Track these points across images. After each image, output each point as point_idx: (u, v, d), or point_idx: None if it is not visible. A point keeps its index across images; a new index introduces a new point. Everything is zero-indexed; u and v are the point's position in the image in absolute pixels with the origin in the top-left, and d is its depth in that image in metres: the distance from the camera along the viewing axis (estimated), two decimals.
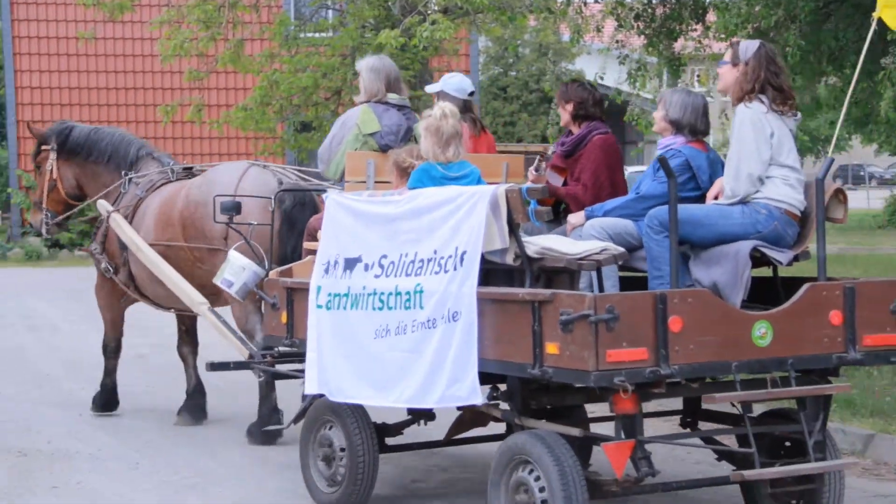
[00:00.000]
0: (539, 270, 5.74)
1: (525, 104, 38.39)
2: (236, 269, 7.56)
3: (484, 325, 5.54)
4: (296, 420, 7.04)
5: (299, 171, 8.81)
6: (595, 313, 5.05)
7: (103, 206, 9.17)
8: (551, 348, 5.26)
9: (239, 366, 7.94)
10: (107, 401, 9.59)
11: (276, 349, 7.44)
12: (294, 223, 7.96)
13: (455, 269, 5.64)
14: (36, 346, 13.50)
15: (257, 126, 18.82)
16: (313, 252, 6.69)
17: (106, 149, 9.53)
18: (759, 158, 5.83)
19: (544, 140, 37.36)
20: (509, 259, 5.66)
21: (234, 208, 7.58)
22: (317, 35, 19.54)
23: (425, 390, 5.74)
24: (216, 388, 9.91)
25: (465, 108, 7.46)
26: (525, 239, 5.73)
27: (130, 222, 8.96)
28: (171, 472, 7.64)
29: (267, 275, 7.26)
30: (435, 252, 5.77)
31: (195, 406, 9.20)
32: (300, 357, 6.87)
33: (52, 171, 9.72)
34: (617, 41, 14.13)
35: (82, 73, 27.17)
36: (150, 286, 8.97)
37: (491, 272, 5.80)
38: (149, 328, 13.76)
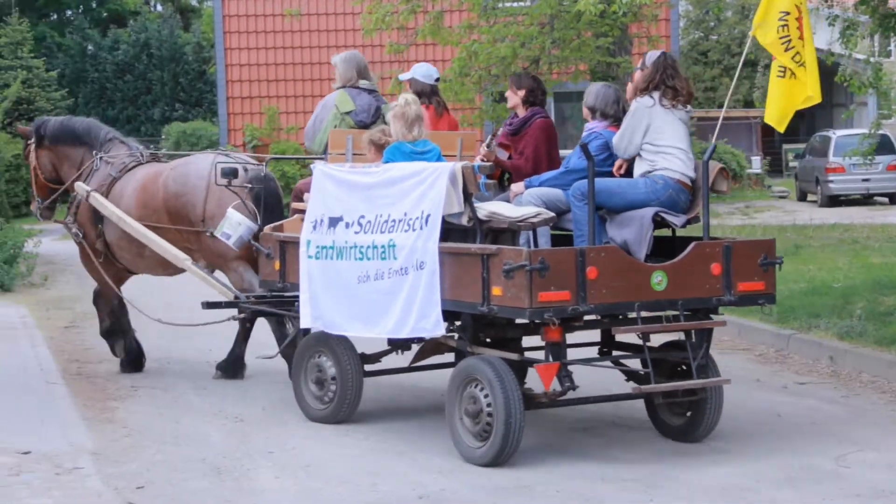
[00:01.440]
0: (487, 230, 7.27)
1: (727, 68, 37.46)
2: (234, 224, 9.09)
3: (444, 273, 7.11)
4: (280, 352, 9.09)
5: (252, 157, 10.53)
6: (530, 264, 6.65)
7: (81, 187, 10.24)
8: (496, 291, 6.84)
9: (228, 304, 9.44)
10: (132, 360, 10.52)
11: (250, 295, 9.20)
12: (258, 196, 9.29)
13: (421, 228, 7.19)
14: None
15: (456, 97, 18.91)
16: (300, 211, 8.29)
17: (76, 133, 10.63)
18: (630, 139, 7.51)
19: (748, 105, 36.40)
20: (464, 221, 7.22)
21: (233, 173, 9.15)
22: (515, 4, 19.48)
23: (400, 324, 7.32)
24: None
25: (433, 91, 9.02)
26: (476, 204, 7.24)
27: (106, 198, 10.06)
28: (380, 440, 7.78)
29: (261, 230, 8.84)
30: (405, 214, 7.30)
31: None
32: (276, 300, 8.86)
33: (32, 161, 10.82)
34: (826, 0, 13.57)
35: (287, 49, 27.86)
36: (127, 255, 10.22)
37: (449, 231, 7.27)
38: None
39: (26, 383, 9.78)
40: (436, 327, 7.17)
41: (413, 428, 8.11)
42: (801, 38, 8.03)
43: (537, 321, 6.86)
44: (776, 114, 8.32)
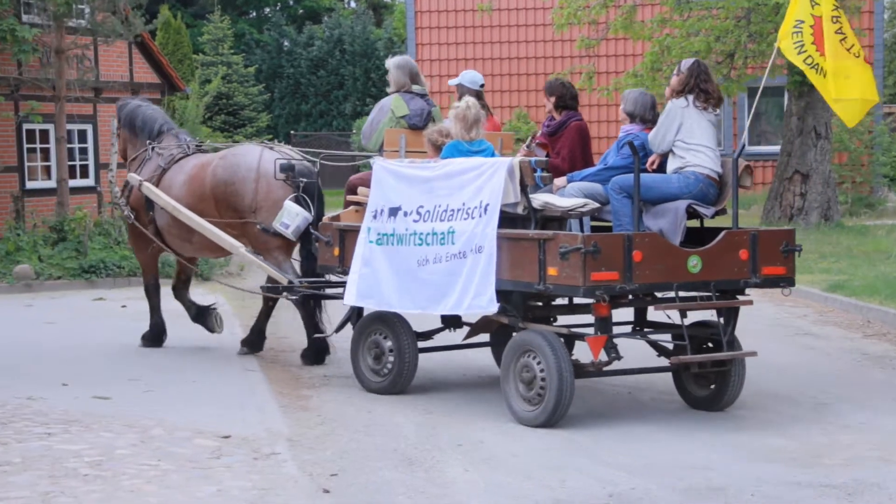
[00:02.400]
0: (539, 218, 8.10)
1: None
2: (292, 215, 9.99)
3: (502, 256, 7.95)
4: (337, 330, 9.84)
5: (297, 150, 10.86)
6: (584, 247, 7.50)
7: (133, 177, 11.19)
8: (552, 271, 7.71)
9: (286, 288, 10.18)
10: (155, 336, 11.37)
11: (304, 280, 10.09)
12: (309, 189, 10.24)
13: (480, 216, 8.02)
14: None
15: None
16: (355, 203, 9.37)
17: (135, 124, 11.55)
18: (664, 136, 8.28)
19: None
20: (520, 209, 8.06)
21: (291, 168, 10.08)
22: None
23: (459, 302, 8.15)
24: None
25: (478, 96, 9.56)
26: (532, 195, 8.10)
27: (157, 186, 10.95)
28: (567, 436, 7.73)
29: (319, 220, 9.79)
30: (463, 204, 8.15)
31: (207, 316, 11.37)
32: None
33: (116, 138, 11.92)
34: None
35: (477, 44, 28.02)
36: (177, 241, 11.04)
37: (502, 219, 8.04)
38: None
39: (225, 370, 10.13)
40: (490, 304, 8.00)
41: (600, 425, 8.05)
42: (814, 43, 8.43)
43: (590, 298, 7.73)
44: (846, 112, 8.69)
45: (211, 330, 11.40)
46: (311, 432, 7.80)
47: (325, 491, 6.40)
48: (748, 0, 17.02)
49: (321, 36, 46.70)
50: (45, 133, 21.01)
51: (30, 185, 20.93)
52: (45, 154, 21.29)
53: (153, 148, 11.28)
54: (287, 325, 12.38)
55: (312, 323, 10.34)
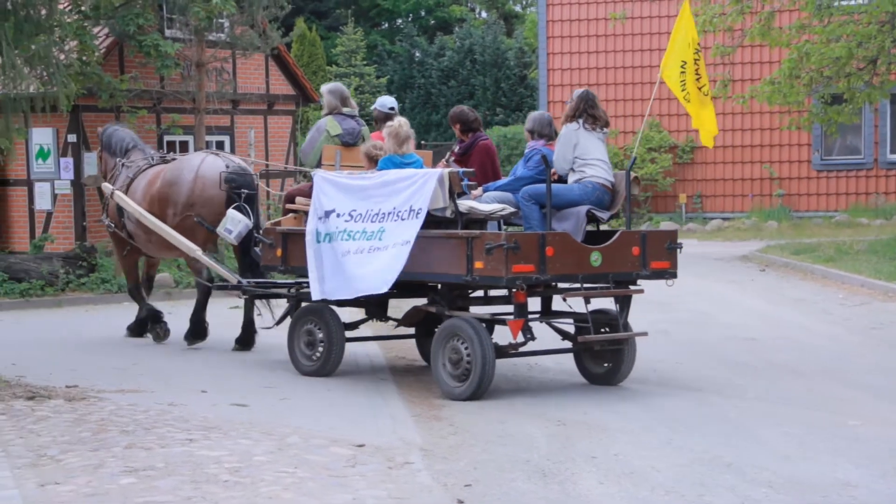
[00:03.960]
0: (465, 220, 9.36)
1: None
2: (235, 222, 11.28)
3: (433, 252, 9.20)
4: (278, 322, 11.06)
5: (242, 158, 12.75)
6: (507, 244, 8.78)
7: (107, 187, 12.65)
8: (479, 265, 8.95)
9: (233, 287, 11.49)
10: (141, 325, 12.58)
11: (252, 281, 11.36)
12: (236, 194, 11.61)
13: (410, 218, 9.29)
14: None
15: (785, 100, 18.32)
16: (293, 211, 10.73)
17: (113, 143, 13.00)
18: (564, 157, 9.67)
19: None
20: (448, 213, 9.30)
21: (234, 181, 11.54)
22: (852, 3, 18.60)
23: (382, 284, 9.39)
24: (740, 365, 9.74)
25: (387, 117, 10.75)
26: (459, 202, 9.32)
27: (125, 194, 12.29)
28: (704, 450, 7.60)
29: (257, 226, 11.32)
30: (394, 208, 9.42)
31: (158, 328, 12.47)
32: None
33: (99, 161, 13.37)
34: None
35: (609, 53, 27.82)
36: (143, 243, 12.42)
37: (429, 221, 9.26)
38: (669, 304, 13.88)
39: (358, 378, 10.23)
40: (385, 286, 9.37)
41: (741, 438, 7.88)
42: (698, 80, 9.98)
43: (511, 287, 9.07)
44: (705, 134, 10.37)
45: (142, 334, 12.57)
46: (444, 442, 7.81)
47: (460, 501, 6.39)
48: (893, 5, 16.51)
49: (452, 46, 46.94)
50: (184, 144, 21.54)
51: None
52: None
53: (122, 163, 12.74)
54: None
55: (251, 316, 11.76)
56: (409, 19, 53.58)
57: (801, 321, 13.64)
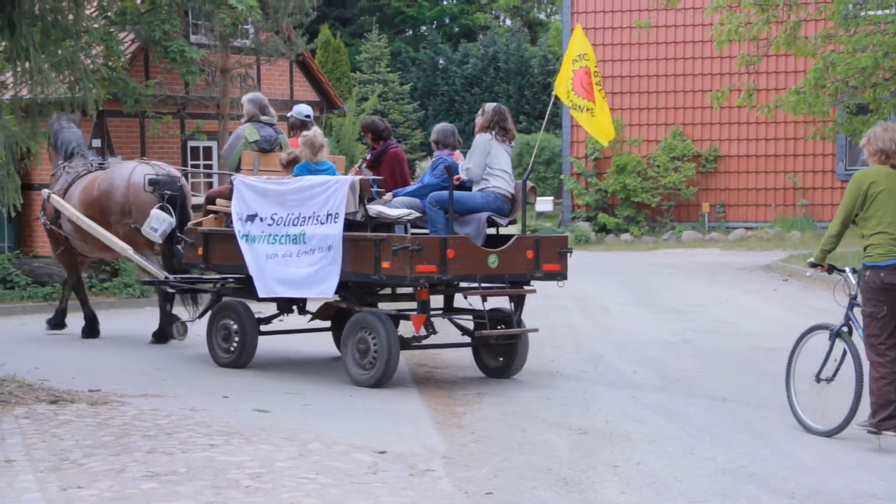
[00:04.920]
0: (374, 224, 10.12)
1: None
2: (159, 221, 12.06)
3: (346, 253, 9.96)
4: (200, 316, 11.87)
5: (166, 164, 13.34)
6: (411, 246, 9.59)
7: (44, 192, 13.50)
8: (385, 265, 9.75)
9: (162, 283, 12.26)
10: (90, 328, 13.29)
11: (178, 277, 12.17)
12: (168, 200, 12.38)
13: (329, 222, 10.03)
14: (588, 327, 13.98)
15: (810, 109, 18.25)
16: (213, 212, 11.50)
17: (58, 143, 13.71)
18: (479, 164, 10.34)
19: None
20: (358, 217, 10.07)
21: (157, 182, 12.34)
22: (879, 13, 18.50)
23: (309, 289, 10.23)
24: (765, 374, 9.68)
25: (303, 125, 11.58)
26: (369, 207, 10.12)
27: (63, 198, 13.08)
28: (728, 460, 7.56)
29: (179, 226, 11.90)
30: (314, 213, 10.14)
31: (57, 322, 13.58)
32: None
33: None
34: None
35: (634, 61, 27.76)
36: (78, 243, 13.21)
37: (347, 224, 10.02)
38: (692, 314, 13.82)
39: (380, 385, 10.20)
40: (330, 291, 10.12)
41: (764, 449, 7.84)
42: (583, 88, 10.97)
43: (415, 286, 9.86)
44: (599, 135, 11.45)
45: (58, 327, 13.49)
46: (465, 450, 7.80)
47: None
48: None
49: (476, 53, 46.96)
50: (207, 150, 21.63)
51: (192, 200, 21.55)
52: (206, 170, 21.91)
53: (64, 167, 13.55)
54: (441, 341, 12.44)
55: (166, 310, 12.52)
56: (434, 26, 53.62)
57: None
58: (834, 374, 8.38)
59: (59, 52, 9.86)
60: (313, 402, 9.36)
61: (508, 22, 55.28)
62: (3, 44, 9.37)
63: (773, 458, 7.64)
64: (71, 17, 9.83)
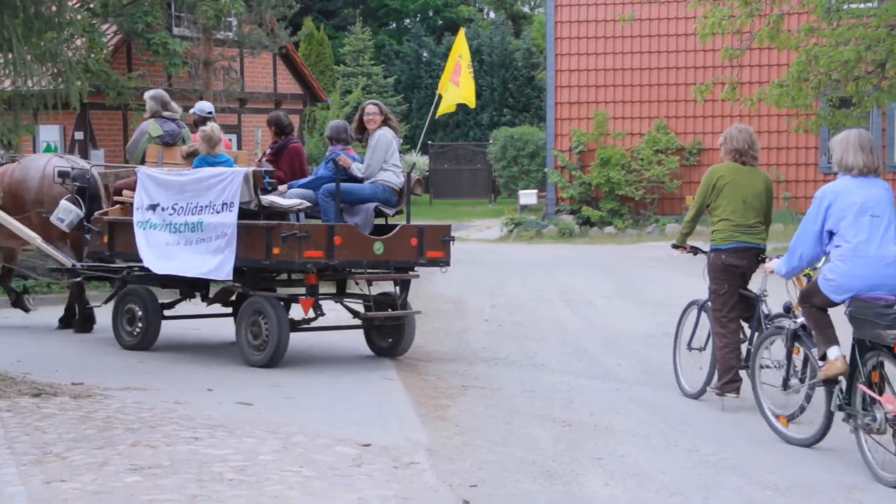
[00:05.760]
0: (268, 213, 10.83)
1: None
2: (67, 212, 12.31)
3: (241, 240, 10.56)
4: (106, 302, 12.31)
5: (78, 159, 13.77)
6: (299, 233, 10.26)
7: None
8: (276, 251, 10.41)
9: (68, 271, 12.65)
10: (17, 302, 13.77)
11: (85, 264, 12.49)
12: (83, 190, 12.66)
13: (224, 211, 10.68)
14: (573, 320, 14.00)
15: (793, 103, 18.23)
16: (121, 203, 12.12)
17: None
18: (383, 159, 11.05)
19: None
20: (252, 206, 10.75)
21: (66, 174, 12.64)
22: (861, 6, 18.52)
23: (209, 271, 10.77)
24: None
25: (204, 121, 12.31)
26: (262, 196, 10.80)
27: None
28: (712, 452, 7.59)
29: (86, 216, 12.26)
30: (210, 202, 10.79)
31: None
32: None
33: None
34: None
35: (618, 54, 27.75)
36: None
37: (240, 213, 10.64)
38: (673, 306, 13.84)
39: (364, 377, 10.23)
40: (228, 275, 10.70)
41: (747, 441, 7.87)
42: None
43: (302, 271, 10.56)
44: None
45: (26, 310, 13.75)
46: (449, 442, 7.80)
47: (465, 502, 6.38)
48: None
49: None
50: None
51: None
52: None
53: None
54: (426, 334, 12.44)
55: (82, 298, 12.89)
56: (417, 19, 53.54)
57: None
58: (705, 344, 9.39)
59: (42, 43, 9.82)
60: (297, 394, 9.36)
61: (492, 15, 55.23)
62: None
63: (756, 451, 7.67)
64: (54, 8, 9.80)
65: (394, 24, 54.34)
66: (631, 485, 6.84)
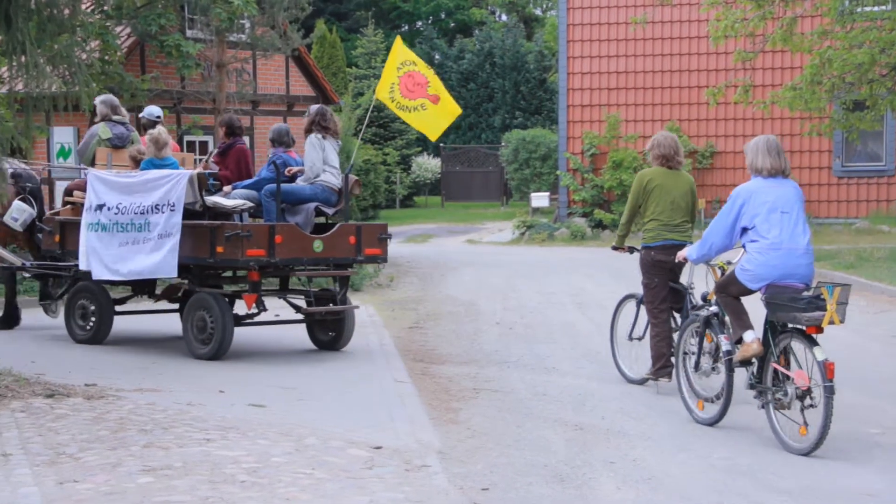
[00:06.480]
0: (213, 213, 11.31)
1: None
2: (20, 211, 12.93)
3: (186, 240, 11.07)
4: (59, 297, 13.01)
5: (26, 161, 14.29)
6: (242, 232, 10.75)
7: None
8: (220, 249, 10.93)
9: (18, 268, 13.08)
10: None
11: (35, 263, 13.06)
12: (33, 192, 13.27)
13: (169, 211, 11.14)
14: (584, 323, 13.98)
15: (806, 106, 18.22)
16: (72, 203, 12.51)
17: None
18: (315, 160, 11.44)
19: None
20: (197, 207, 11.23)
21: (18, 175, 12.94)
22: (875, 9, 18.48)
23: (154, 270, 11.31)
24: None
25: (154, 125, 12.84)
26: (206, 197, 11.28)
27: None
28: (723, 457, 7.57)
29: (39, 216, 12.96)
30: (156, 203, 11.23)
31: None
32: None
33: None
34: None
35: (630, 57, 27.73)
36: None
37: (186, 213, 11.14)
38: None
39: (377, 380, 10.22)
40: (173, 272, 11.14)
41: (759, 445, 7.85)
42: (402, 93, 12.43)
43: (245, 267, 11.02)
44: (429, 132, 12.80)
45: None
46: (461, 445, 7.80)
47: None
48: None
49: (472, 49, 46.94)
50: (203, 144, 21.61)
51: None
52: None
53: None
54: (437, 337, 12.44)
55: (13, 295, 13.30)
56: (430, 22, 53.55)
57: None
58: (643, 334, 10.16)
59: (55, 46, 9.84)
60: (309, 397, 9.36)
61: (504, 17, 55.22)
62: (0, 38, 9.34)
63: (769, 455, 7.66)
64: (67, 11, 9.82)
65: (406, 27, 54.35)
66: (643, 489, 6.83)
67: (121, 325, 12.60)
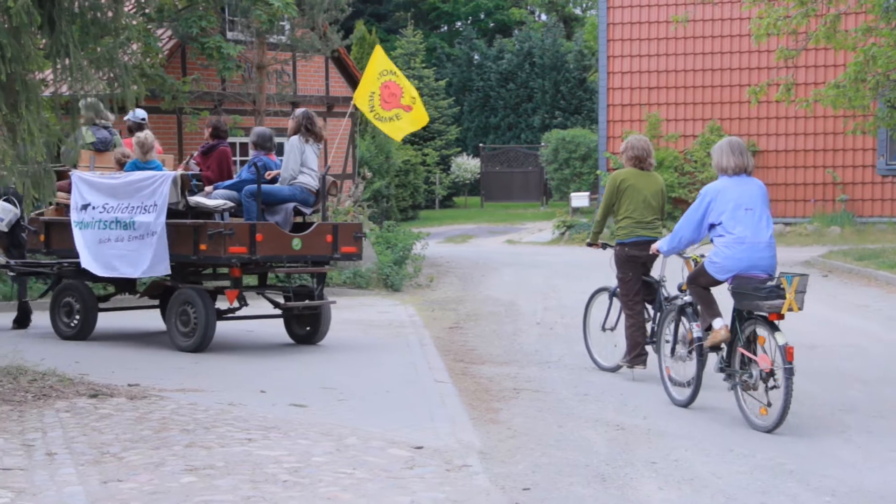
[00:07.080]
0: (194, 212, 11.78)
1: None
2: (6, 211, 13.23)
3: (171, 238, 11.55)
4: (41, 296, 13.71)
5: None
6: (224, 231, 11.28)
7: None
8: (203, 247, 11.44)
9: (3, 266, 13.48)
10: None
11: (20, 261, 13.33)
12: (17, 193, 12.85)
13: (154, 211, 11.60)
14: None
15: (850, 104, 18.05)
16: (57, 203, 12.82)
17: None
18: (295, 165, 11.97)
19: None
20: (180, 206, 11.71)
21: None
22: None
23: (144, 270, 11.74)
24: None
25: (139, 127, 13.54)
26: (189, 197, 11.78)
27: None
28: (767, 457, 7.51)
29: (22, 216, 13.24)
30: (141, 203, 11.71)
31: None
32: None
33: None
34: None
35: (670, 55, 27.57)
36: None
37: (170, 213, 11.62)
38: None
39: (417, 380, 10.22)
40: (165, 270, 11.66)
41: (804, 446, 7.78)
42: (387, 102, 13.40)
43: (229, 264, 11.56)
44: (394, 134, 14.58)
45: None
46: (502, 445, 7.78)
47: None
48: None
49: (511, 49, 46.89)
50: (244, 145, 21.71)
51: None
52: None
53: None
54: (477, 337, 12.43)
55: (24, 295, 13.49)
56: (469, 22, 53.55)
57: (864, 328, 13.45)
58: (615, 324, 10.78)
59: (98, 49, 9.92)
60: (349, 397, 9.38)
61: (544, 17, 55.12)
62: (44, 41, 9.42)
63: (813, 455, 7.58)
64: (110, 14, 9.89)
65: (445, 27, 54.38)
66: (686, 490, 6.78)
67: (146, 322, 12.70)
